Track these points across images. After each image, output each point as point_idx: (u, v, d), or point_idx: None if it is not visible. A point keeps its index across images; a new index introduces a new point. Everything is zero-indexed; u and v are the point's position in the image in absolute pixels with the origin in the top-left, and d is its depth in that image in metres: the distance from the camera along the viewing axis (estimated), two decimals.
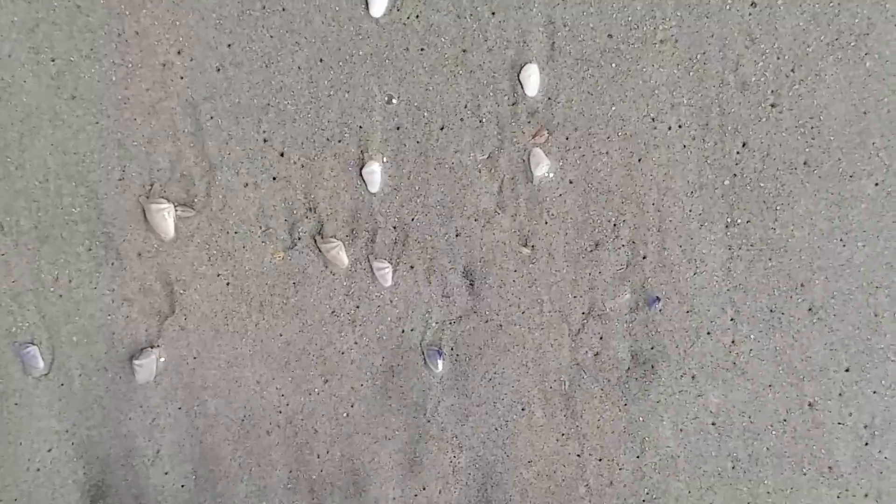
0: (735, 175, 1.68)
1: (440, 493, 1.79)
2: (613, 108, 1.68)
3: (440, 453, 1.79)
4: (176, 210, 1.73)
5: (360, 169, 1.72)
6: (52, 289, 1.76)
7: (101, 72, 1.70)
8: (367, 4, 1.67)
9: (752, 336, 1.72)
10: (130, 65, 1.70)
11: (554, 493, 1.78)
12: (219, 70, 1.70)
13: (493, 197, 1.73)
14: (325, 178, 1.73)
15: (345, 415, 1.80)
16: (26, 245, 1.74)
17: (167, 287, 1.76)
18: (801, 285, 1.70)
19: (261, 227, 1.75)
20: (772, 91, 1.66)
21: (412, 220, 1.74)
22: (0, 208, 1.73)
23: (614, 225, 1.71)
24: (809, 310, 1.70)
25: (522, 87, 1.68)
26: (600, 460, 1.76)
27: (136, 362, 1.75)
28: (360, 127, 1.72)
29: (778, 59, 1.65)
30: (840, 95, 1.64)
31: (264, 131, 1.72)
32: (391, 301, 1.76)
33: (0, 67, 1.69)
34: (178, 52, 1.70)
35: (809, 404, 1.72)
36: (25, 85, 1.70)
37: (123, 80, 1.70)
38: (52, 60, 1.69)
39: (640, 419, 1.75)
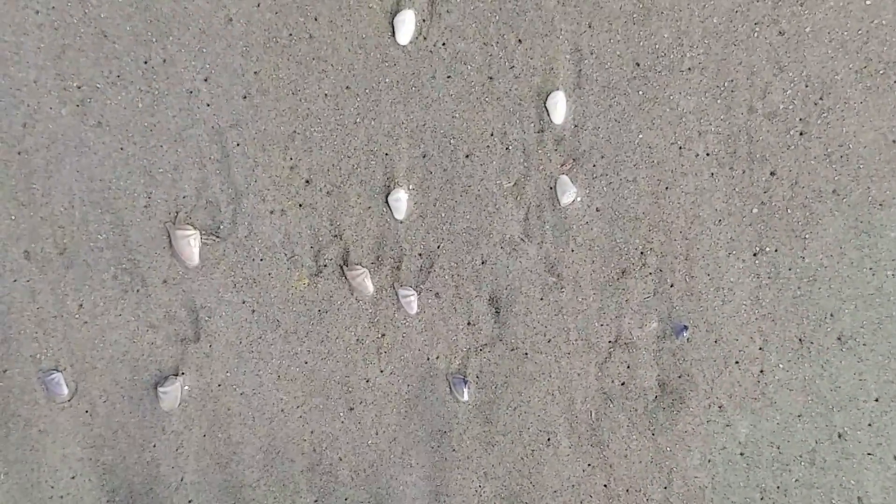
0: (763, 203, 1.67)
1: None
2: (640, 136, 1.68)
3: (465, 482, 1.78)
4: (201, 237, 1.73)
5: (386, 196, 1.72)
6: (76, 315, 1.75)
7: (128, 99, 1.70)
8: (393, 32, 1.67)
9: (780, 366, 1.71)
10: (157, 92, 1.70)
11: None
12: (245, 97, 1.70)
13: (519, 224, 1.72)
14: (350, 205, 1.73)
15: (370, 443, 1.79)
16: (51, 271, 1.74)
17: (192, 314, 1.76)
18: (831, 314, 1.68)
19: (286, 255, 1.74)
20: (800, 119, 1.65)
21: (438, 247, 1.73)
22: (25, 235, 1.73)
23: (641, 253, 1.71)
24: (839, 339, 1.69)
25: (549, 115, 1.68)
26: (627, 491, 1.75)
27: (160, 389, 1.75)
28: (387, 154, 1.71)
29: (806, 86, 1.64)
30: (869, 123, 1.63)
31: (290, 158, 1.72)
32: (417, 329, 1.75)
33: (26, 94, 1.70)
34: (205, 80, 1.70)
35: (839, 434, 1.71)
36: (51, 112, 1.70)
37: (150, 108, 1.71)
38: (79, 87, 1.70)
39: (668, 449, 1.74)
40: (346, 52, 1.69)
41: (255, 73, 1.69)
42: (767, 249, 1.68)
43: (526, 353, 1.75)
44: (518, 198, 1.71)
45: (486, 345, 1.75)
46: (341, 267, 1.74)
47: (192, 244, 1.72)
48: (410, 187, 1.72)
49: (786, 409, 1.71)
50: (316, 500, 1.80)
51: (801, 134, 1.65)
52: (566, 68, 1.67)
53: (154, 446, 1.79)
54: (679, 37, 1.65)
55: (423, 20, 1.67)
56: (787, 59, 1.63)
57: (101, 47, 1.69)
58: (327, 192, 1.73)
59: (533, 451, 1.76)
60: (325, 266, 1.75)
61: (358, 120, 1.71)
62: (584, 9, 1.64)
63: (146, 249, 1.74)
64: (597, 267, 1.72)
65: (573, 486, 1.76)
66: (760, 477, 1.73)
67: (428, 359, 1.76)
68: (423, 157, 1.71)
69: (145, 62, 1.69)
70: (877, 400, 1.69)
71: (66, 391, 1.77)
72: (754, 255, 1.69)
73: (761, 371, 1.71)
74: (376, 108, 1.70)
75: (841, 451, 1.71)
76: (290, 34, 1.68)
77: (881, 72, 1.62)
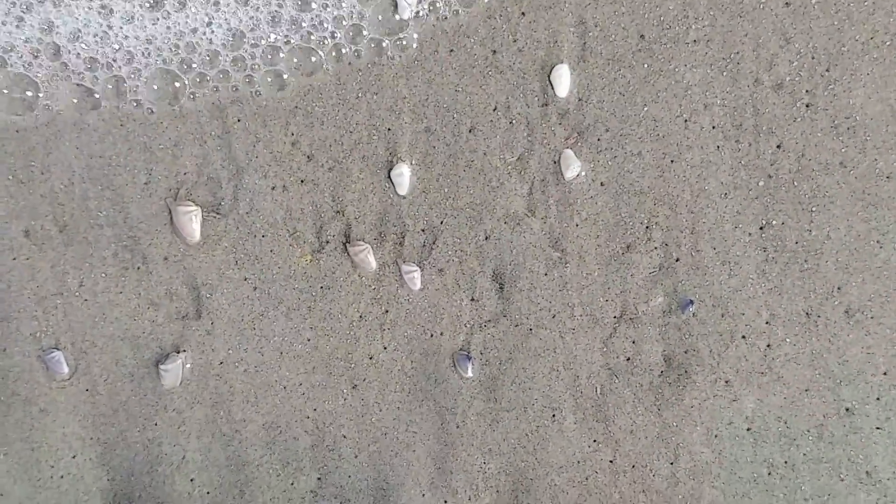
0: (770, 176, 1.66)
1: (470, 499, 1.77)
2: (646, 109, 1.66)
3: (470, 459, 1.76)
4: (202, 213, 1.72)
5: (389, 171, 1.71)
6: (77, 293, 1.74)
7: None
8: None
9: (787, 340, 1.69)
10: None
11: (586, 499, 1.75)
12: None
13: (523, 199, 1.70)
14: (353, 180, 1.72)
15: (373, 420, 1.77)
16: (51, 249, 1.73)
17: (193, 291, 1.74)
18: (838, 288, 1.67)
19: (288, 231, 1.73)
20: (806, 91, 1.64)
21: (441, 222, 1.72)
22: (25, 213, 1.72)
23: (646, 227, 1.69)
24: (846, 312, 1.67)
25: (553, 88, 1.67)
26: (633, 466, 1.74)
27: (161, 367, 1.73)
28: (389, 129, 1.70)
29: (813, 58, 1.63)
30: (876, 95, 1.62)
31: (292, 134, 1.70)
32: (420, 305, 1.74)
33: None
34: None
35: (846, 409, 1.69)
36: None
37: None
38: None
39: (674, 425, 1.73)
40: None
41: None
42: (774, 223, 1.67)
43: (530, 329, 1.73)
44: (522, 172, 1.70)
45: (489, 321, 1.74)
46: (343, 243, 1.73)
47: (193, 221, 1.71)
48: (413, 162, 1.71)
49: (793, 384, 1.70)
50: (319, 478, 1.79)
51: (807, 106, 1.64)
52: (570, 41, 1.65)
53: (155, 424, 1.77)
54: (684, 8, 1.63)
55: None
56: (794, 31, 1.62)
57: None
58: (329, 168, 1.71)
59: (538, 427, 1.75)
60: (328, 242, 1.73)
61: (360, 94, 1.69)
62: None
63: (147, 226, 1.73)
64: (601, 241, 1.70)
65: (579, 462, 1.75)
66: (768, 452, 1.72)
67: (431, 335, 1.75)
68: (426, 131, 1.70)
69: None
70: (885, 374, 1.68)
71: (66, 369, 1.75)
72: (761, 228, 1.67)
73: (768, 345, 1.70)
74: (378, 83, 1.68)
75: (849, 426, 1.70)
76: None
77: (888, 43, 1.61)
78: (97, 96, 1.64)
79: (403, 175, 1.70)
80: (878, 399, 1.68)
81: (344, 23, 1.67)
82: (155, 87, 1.65)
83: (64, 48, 1.63)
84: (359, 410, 1.77)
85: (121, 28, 1.59)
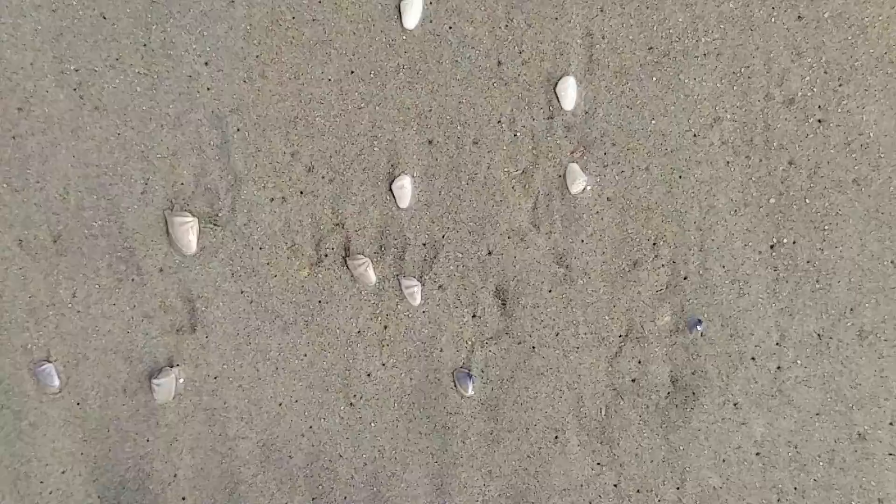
0: (781, 193, 1.62)
1: None
2: (654, 123, 1.63)
3: (469, 480, 1.72)
4: (199, 224, 1.68)
5: (390, 184, 1.67)
6: (69, 304, 1.71)
7: (126, 82, 1.66)
8: (399, 15, 1.62)
9: (798, 362, 1.65)
10: (156, 75, 1.66)
11: None
12: (246, 81, 1.66)
13: (527, 214, 1.67)
14: (353, 192, 1.68)
15: (371, 439, 1.73)
16: (44, 259, 1.70)
17: (188, 304, 1.71)
18: (850, 309, 1.63)
19: (286, 243, 1.70)
20: (819, 106, 1.60)
21: (443, 236, 1.68)
22: (18, 222, 1.69)
23: (654, 244, 1.65)
24: (859, 334, 1.63)
25: (559, 101, 1.64)
26: (638, 491, 1.69)
27: (154, 381, 1.70)
28: (391, 140, 1.67)
29: (825, 73, 1.59)
30: (889, 111, 1.59)
31: (292, 144, 1.67)
32: (420, 321, 1.70)
33: (23, 77, 1.66)
34: (206, 63, 1.66)
35: (859, 434, 1.65)
36: (48, 95, 1.66)
37: (148, 91, 1.67)
38: (76, 70, 1.66)
39: (681, 448, 1.68)
40: (350, 36, 1.64)
41: (257, 56, 1.65)
42: (785, 241, 1.63)
43: (533, 347, 1.69)
44: (526, 186, 1.67)
45: (491, 338, 1.70)
46: (343, 256, 1.69)
47: (189, 232, 1.67)
48: (415, 175, 1.68)
49: (804, 408, 1.65)
50: (314, 499, 1.74)
51: (819, 122, 1.60)
52: (577, 53, 1.62)
53: (147, 440, 1.73)
54: (694, 21, 1.60)
55: (430, 3, 1.62)
56: (806, 45, 1.59)
57: (100, 30, 1.65)
58: (329, 180, 1.68)
59: (540, 448, 1.70)
60: (327, 255, 1.70)
61: (362, 105, 1.66)
62: None
63: (142, 237, 1.69)
64: (607, 258, 1.66)
65: (582, 485, 1.70)
66: (777, 478, 1.67)
67: (431, 352, 1.71)
68: (429, 143, 1.67)
69: (144, 45, 1.65)
70: None
71: (57, 382, 1.71)
72: (771, 246, 1.63)
73: (778, 367, 1.65)
74: (381, 94, 1.65)
75: (861, 451, 1.65)
76: (294, 17, 1.64)
77: None
78: None
79: (405, 187, 1.67)
80: (891, 424, 1.64)
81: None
82: None
83: None
84: (356, 429, 1.73)
85: None
